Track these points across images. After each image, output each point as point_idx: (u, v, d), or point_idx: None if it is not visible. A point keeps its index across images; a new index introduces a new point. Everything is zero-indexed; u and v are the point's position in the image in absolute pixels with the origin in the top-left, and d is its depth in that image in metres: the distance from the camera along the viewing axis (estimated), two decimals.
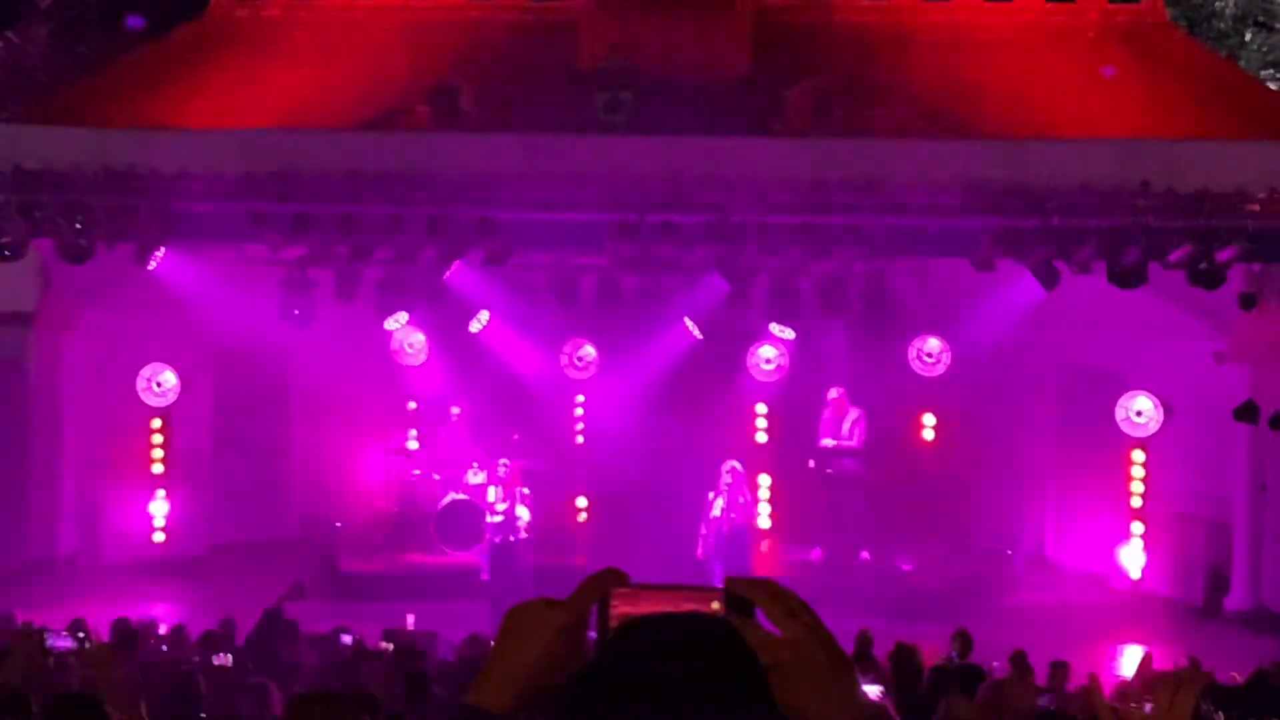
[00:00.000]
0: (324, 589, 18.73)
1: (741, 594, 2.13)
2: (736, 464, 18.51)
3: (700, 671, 2.03)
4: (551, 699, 2.14)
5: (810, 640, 2.10)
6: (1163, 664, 12.07)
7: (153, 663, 12.04)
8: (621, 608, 2.16)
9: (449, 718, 2.00)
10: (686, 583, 2.23)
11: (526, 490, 18.15)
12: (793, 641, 2.08)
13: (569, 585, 2.20)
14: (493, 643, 2.27)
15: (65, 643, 10.37)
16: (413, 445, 21.28)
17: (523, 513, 17.99)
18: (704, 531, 18.21)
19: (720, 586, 2.17)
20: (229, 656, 12.38)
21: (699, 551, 18.20)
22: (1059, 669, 12.62)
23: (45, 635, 8.88)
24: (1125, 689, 10.46)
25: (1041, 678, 12.23)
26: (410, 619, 15.69)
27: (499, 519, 17.96)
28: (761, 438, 21.00)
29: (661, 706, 2.01)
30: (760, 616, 2.16)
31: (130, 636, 13.13)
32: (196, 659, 12.07)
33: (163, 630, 14.25)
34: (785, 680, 2.07)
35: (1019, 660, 12.35)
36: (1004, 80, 19.91)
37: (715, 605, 2.16)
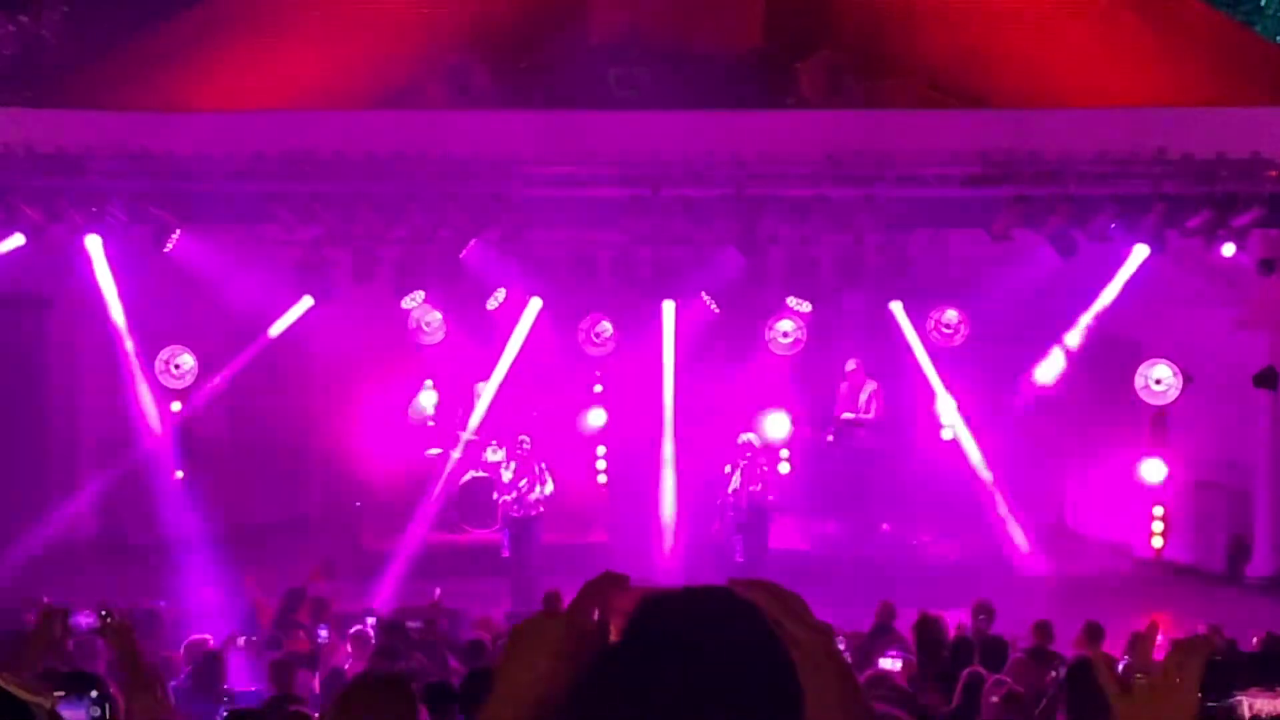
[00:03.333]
0: (346, 568, 18.79)
1: (744, 596, 2.10)
2: (753, 436, 18.46)
3: (729, 650, 2.02)
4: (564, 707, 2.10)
5: (817, 645, 2.07)
6: (1185, 631, 12.05)
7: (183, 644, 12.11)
8: (623, 612, 2.14)
9: None
10: (705, 561, 2.22)
11: (544, 465, 18.09)
12: (797, 643, 2.06)
13: (589, 563, 2.18)
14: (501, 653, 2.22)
15: (89, 620, 10.39)
16: (430, 423, 21.27)
17: (545, 488, 17.89)
18: (722, 504, 18.18)
19: (724, 585, 2.13)
20: (250, 638, 12.45)
21: (717, 525, 18.18)
22: (1093, 631, 12.52)
23: (68, 614, 8.90)
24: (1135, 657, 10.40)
25: (1066, 644, 12.22)
26: (437, 592, 15.72)
27: (512, 496, 17.92)
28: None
29: (687, 690, 1.98)
30: None
31: (152, 619, 13.20)
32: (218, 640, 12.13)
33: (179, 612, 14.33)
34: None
35: (1042, 630, 12.35)
36: (1016, 50, 19.79)
37: None
